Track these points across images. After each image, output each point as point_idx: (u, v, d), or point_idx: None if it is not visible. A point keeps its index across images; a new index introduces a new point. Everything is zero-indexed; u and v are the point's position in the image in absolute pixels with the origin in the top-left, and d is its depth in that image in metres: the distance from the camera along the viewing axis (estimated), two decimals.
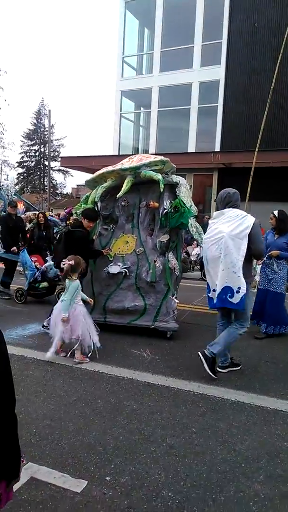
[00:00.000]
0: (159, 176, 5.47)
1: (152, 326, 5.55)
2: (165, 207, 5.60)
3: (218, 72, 17.05)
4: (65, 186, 53.00)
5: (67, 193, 53.96)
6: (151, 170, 5.56)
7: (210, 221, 4.47)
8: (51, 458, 2.74)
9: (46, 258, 8.17)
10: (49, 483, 2.49)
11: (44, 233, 8.72)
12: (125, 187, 5.54)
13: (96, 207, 6.08)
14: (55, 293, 7.66)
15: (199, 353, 4.18)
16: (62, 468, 2.64)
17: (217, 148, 16.87)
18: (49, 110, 30.83)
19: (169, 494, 2.41)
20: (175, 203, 5.56)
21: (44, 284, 7.65)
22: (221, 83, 17.00)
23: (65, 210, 14.27)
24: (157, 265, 5.56)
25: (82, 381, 4.05)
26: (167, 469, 2.65)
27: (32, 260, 7.74)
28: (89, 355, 4.60)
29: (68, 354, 4.63)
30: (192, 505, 2.32)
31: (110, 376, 4.18)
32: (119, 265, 5.63)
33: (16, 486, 2.38)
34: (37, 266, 7.73)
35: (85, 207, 5.98)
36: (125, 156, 19.47)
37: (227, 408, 3.52)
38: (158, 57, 18.46)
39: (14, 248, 8.09)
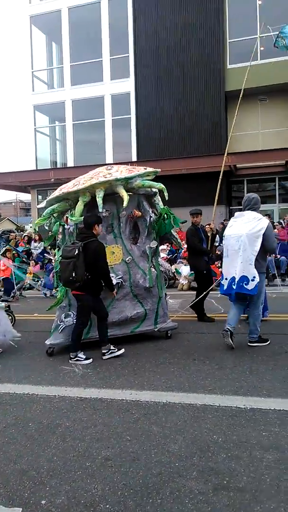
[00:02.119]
0: (161, 186, 5.89)
1: (156, 329, 5.89)
2: (151, 215, 5.90)
3: (127, 85, 17.48)
4: None
5: None
6: (144, 180, 5.80)
7: (232, 220, 5.48)
8: None
9: None
10: None
11: None
12: (125, 198, 5.40)
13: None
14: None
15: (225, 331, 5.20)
16: None
17: (134, 158, 17.23)
18: None
19: (107, 506, 2.41)
20: (163, 211, 5.95)
21: None
22: (131, 95, 17.44)
23: None
24: (153, 270, 5.88)
25: (11, 406, 3.90)
26: (104, 481, 2.65)
27: None
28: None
29: None
30: None
31: (41, 397, 4.07)
32: (113, 277, 5.50)
33: None
34: None
35: (51, 220, 5.88)
36: (44, 171, 19.12)
37: (159, 410, 3.59)
38: (69, 71, 18.51)
39: None
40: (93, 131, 18.66)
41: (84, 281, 4.91)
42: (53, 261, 11.35)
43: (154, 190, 5.94)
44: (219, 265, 11.48)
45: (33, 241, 13.79)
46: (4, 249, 11.24)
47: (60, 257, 5.16)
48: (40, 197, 19.59)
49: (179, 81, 16.82)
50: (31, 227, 20.80)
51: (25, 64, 19.40)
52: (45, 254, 12.48)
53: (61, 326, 5.51)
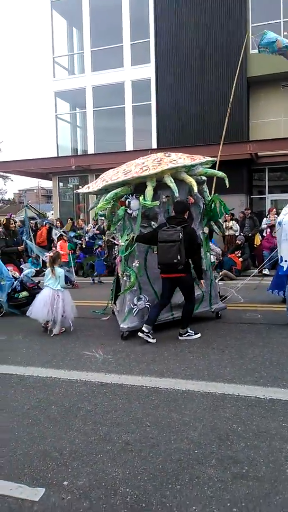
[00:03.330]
0: (223, 174, 6.16)
1: (212, 310, 6.26)
2: (204, 202, 6.14)
3: (148, 71, 17.27)
4: (6, 192, 51.36)
5: (8, 199, 52.31)
6: (204, 168, 6.11)
7: (285, 208, 6.28)
8: (6, 470, 2.70)
9: (21, 267, 7.86)
10: (6, 495, 2.46)
11: (15, 240, 8.38)
12: (194, 184, 5.61)
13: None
14: None
15: None
16: (18, 479, 2.61)
17: (154, 145, 17.09)
18: None
19: (127, 490, 2.47)
20: (215, 198, 6.14)
21: (24, 293, 7.34)
22: (152, 81, 17.23)
23: (7, 216, 13.90)
24: (208, 254, 6.22)
25: (34, 389, 4.00)
26: (124, 465, 2.71)
27: (8, 270, 7.36)
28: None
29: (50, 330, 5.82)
30: (149, 497, 2.39)
31: (63, 381, 4.16)
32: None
33: None
34: (14, 276, 7.39)
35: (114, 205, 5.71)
36: (65, 158, 19.14)
37: (179, 398, 3.63)
38: (89, 57, 18.37)
39: None
40: (113, 118, 18.55)
41: (184, 263, 5.14)
42: (103, 246, 11.50)
43: (203, 178, 6.10)
44: (239, 254, 11.40)
45: (54, 228, 13.92)
46: (61, 231, 11.27)
47: (159, 242, 5.13)
48: (61, 184, 19.68)
49: (200, 67, 16.51)
50: (52, 214, 20.93)
51: (46, 50, 19.32)
52: (95, 239, 12.41)
53: (134, 309, 5.58)
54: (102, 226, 12.97)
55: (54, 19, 19.21)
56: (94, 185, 6.21)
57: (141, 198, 5.34)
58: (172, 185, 5.41)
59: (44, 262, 9.62)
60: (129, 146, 17.77)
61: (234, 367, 4.32)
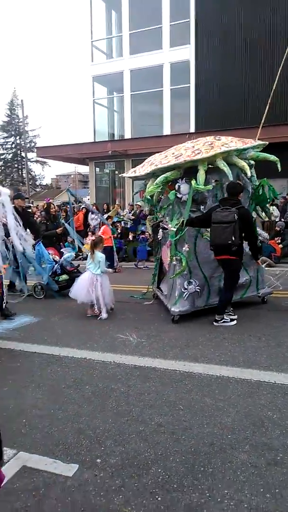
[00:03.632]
0: (275, 158, 5.93)
1: (259, 295, 6.19)
2: (253, 186, 5.99)
3: (187, 52, 16.88)
4: (44, 177, 52.33)
5: (46, 184, 53.30)
6: (255, 152, 5.91)
7: None
8: (42, 446, 2.78)
9: (61, 250, 7.96)
10: (41, 470, 2.53)
11: (55, 225, 8.51)
12: (247, 168, 5.58)
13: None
14: None
15: None
16: (53, 455, 2.68)
17: (192, 129, 16.80)
18: (22, 100, 30.30)
19: (159, 470, 2.48)
20: (264, 182, 5.98)
21: (64, 276, 7.52)
22: (191, 63, 16.85)
23: (45, 201, 14.15)
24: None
25: (69, 369, 4.08)
26: (156, 446, 2.72)
27: (49, 253, 7.52)
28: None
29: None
30: (181, 478, 2.39)
31: (97, 362, 4.22)
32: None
33: (8, 476, 2.43)
34: (55, 259, 7.54)
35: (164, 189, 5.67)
36: (102, 143, 19.16)
37: (213, 383, 3.59)
38: (127, 40, 18.17)
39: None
40: (151, 102, 18.36)
41: (238, 245, 5.10)
42: (146, 233, 11.55)
43: (252, 162, 5.91)
44: (279, 241, 11.09)
45: (90, 213, 14.05)
46: (106, 215, 11.39)
47: (213, 224, 5.10)
48: (97, 169, 19.79)
49: (243, 46, 15.96)
50: (88, 199, 21.12)
51: (85, 34, 19.26)
52: (139, 225, 12.46)
53: (185, 293, 5.58)
54: (137, 212, 12.97)
55: (93, 2, 19.10)
56: (141, 169, 6.18)
57: (193, 182, 5.25)
58: (226, 168, 5.33)
59: (79, 247, 9.69)
60: (167, 131, 17.56)
61: (271, 354, 4.22)
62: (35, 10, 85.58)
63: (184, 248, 5.50)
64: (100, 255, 6.06)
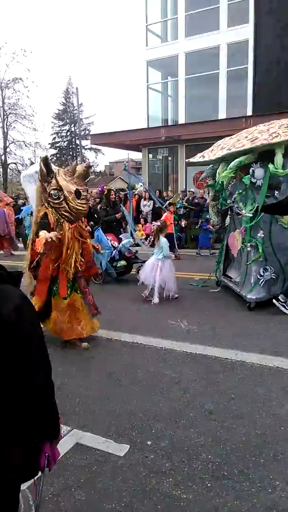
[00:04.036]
0: None
1: None
2: None
3: (246, 32, 16.20)
4: (97, 165, 53.10)
5: (100, 171, 54.09)
6: None
7: None
8: (95, 425, 2.87)
9: (120, 236, 8.03)
10: (94, 448, 2.62)
11: (115, 211, 8.60)
12: None
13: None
14: (134, 271, 7.60)
15: None
16: (105, 434, 2.76)
17: (249, 112, 16.23)
18: (77, 88, 30.61)
19: (209, 456, 2.48)
20: None
21: (122, 262, 7.57)
22: (250, 43, 16.17)
23: (99, 188, 14.39)
24: None
25: (121, 352, 4.16)
26: (207, 433, 2.72)
27: (108, 239, 7.59)
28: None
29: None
30: (231, 466, 2.38)
31: (149, 347, 4.27)
32: None
33: (62, 451, 2.54)
34: (113, 245, 7.60)
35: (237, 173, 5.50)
36: (155, 129, 19.00)
37: (266, 374, 3.52)
38: (183, 22, 17.76)
39: (88, 228, 7.98)
40: (206, 85, 17.91)
41: None
42: (211, 220, 11.47)
43: None
44: None
45: (142, 200, 14.09)
46: (167, 203, 11.44)
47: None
48: (150, 155, 19.73)
49: None
50: (141, 186, 21.21)
51: (140, 18, 19.09)
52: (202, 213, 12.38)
53: (261, 280, 5.50)
54: (190, 198, 12.81)
55: None
56: (211, 153, 6.10)
57: (271, 166, 5.09)
58: None
59: (132, 234, 9.69)
60: (222, 115, 17.10)
61: None
62: None
63: (259, 235, 5.40)
64: (163, 240, 6.15)
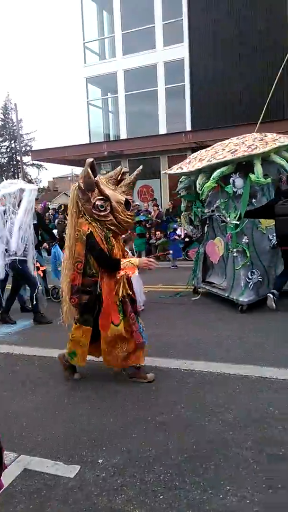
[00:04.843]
0: None
1: None
2: None
3: (181, 51, 16.87)
4: (40, 181, 52.27)
5: (43, 187, 53.21)
6: None
7: None
8: (43, 448, 2.77)
9: None
10: (42, 472, 2.52)
11: None
12: None
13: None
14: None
15: None
16: (54, 457, 2.66)
17: (188, 127, 16.80)
18: (15, 104, 30.26)
19: (161, 468, 2.47)
20: None
21: None
22: (185, 61, 16.84)
23: (41, 204, 14.15)
24: None
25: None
26: (158, 445, 2.71)
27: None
28: None
29: None
30: (183, 476, 2.38)
31: (100, 364, 4.18)
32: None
33: (9, 479, 2.42)
34: None
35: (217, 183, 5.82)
36: (97, 144, 19.07)
37: (214, 381, 3.59)
38: (120, 40, 18.15)
39: (45, 244, 7.61)
40: (146, 102, 18.34)
41: None
42: (178, 230, 11.51)
43: None
44: None
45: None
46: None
47: (278, 216, 5.36)
48: None
49: (237, 44, 15.94)
50: None
51: (77, 36, 19.26)
52: (170, 223, 12.37)
53: (250, 283, 5.79)
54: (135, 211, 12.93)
55: (84, 4, 19.08)
56: (189, 165, 6.32)
57: (252, 176, 5.43)
58: (284, 162, 5.67)
59: None
60: (163, 130, 17.55)
61: (273, 350, 4.22)
62: (26, 13, 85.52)
63: (243, 240, 5.76)
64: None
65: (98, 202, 3.44)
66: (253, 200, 5.75)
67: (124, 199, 3.51)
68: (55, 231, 8.52)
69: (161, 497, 2.23)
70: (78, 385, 3.70)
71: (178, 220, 11.02)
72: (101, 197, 3.47)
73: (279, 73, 7.53)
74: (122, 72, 18.22)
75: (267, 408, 3.05)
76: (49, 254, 7.68)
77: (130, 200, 3.60)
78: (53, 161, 20.93)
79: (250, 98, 15.25)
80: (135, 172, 3.69)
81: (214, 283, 6.54)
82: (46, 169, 51.48)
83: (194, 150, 16.55)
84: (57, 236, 8.23)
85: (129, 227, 3.79)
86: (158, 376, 3.78)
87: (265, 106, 7.12)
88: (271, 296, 5.63)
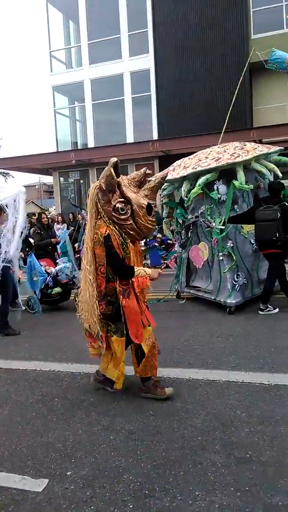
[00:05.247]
0: None
1: None
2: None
3: (147, 61, 17.12)
4: None
5: None
6: (277, 156, 6.52)
7: None
8: (10, 463, 2.70)
9: (57, 261, 7.58)
10: (9, 487, 2.45)
11: (49, 234, 8.22)
12: (277, 169, 6.31)
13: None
14: (72, 297, 7.14)
15: None
16: (22, 471, 2.60)
17: (155, 136, 17.00)
18: None
19: (130, 477, 2.46)
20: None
21: (57, 289, 7.08)
22: (151, 71, 17.08)
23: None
24: None
25: (37, 382, 3.99)
26: (127, 454, 2.69)
27: (41, 265, 7.06)
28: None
29: None
30: (152, 484, 2.38)
31: (66, 374, 4.15)
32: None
33: None
34: (47, 271, 7.09)
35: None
36: (65, 152, 19.01)
37: (182, 387, 3.61)
38: (86, 50, 18.23)
39: (21, 253, 7.32)
40: (112, 111, 18.46)
41: (283, 240, 5.52)
42: (157, 237, 11.59)
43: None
44: None
45: (55, 224, 13.85)
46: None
47: (257, 221, 5.56)
48: (62, 179, 19.64)
49: (201, 55, 16.33)
50: (54, 209, 20.90)
51: (43, 44, 19.23)
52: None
53: (236, 286, 6.00)
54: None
55: (50, 13, 19.09)
56: (173, 172, 6.44)
57: (236, 182, 5.68)
58: (264, 169, 6.01)
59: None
60: (130, 138, 17.69)
61: (239, 354, 4.29)
62: None
63: (228, 244, 6.01)
64: None
65: (118, 205, 3.23)
66: (235, 206, 6.04)
67: (146, 204, 3.29)
68: (31, 240, 8.29)
69: (131, 506, 2.22)
70: (45, 398, 3.64)
71: (157, 227, 11.12)
72: (122, 199, 3.25)
73: (238, 85, 7.83)
74: (89, 81, 18.28)
75: (235, 412, 3.09)
76: (25, 263, 7.50)
77: (153, 205, 3.39)
78: (20, 170, 20.66)
79: (215, 107, 15.62)
80: (160, 175, 3.51)
81: (199, 287, 6.69)
82: (13, 177, 50.69)
83: (161, 158, 16.80)
84: (33, 245, 8.10)
85: (148, 233, 3.61)
86: (125, 383, 3.77)
87: (227, 116, 7.38)
88: (261, 312, 5.82)
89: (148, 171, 3.48)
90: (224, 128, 7.50)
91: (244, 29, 15.73)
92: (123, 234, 3.27)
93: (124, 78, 17.64)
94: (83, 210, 13.14)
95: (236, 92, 7.60)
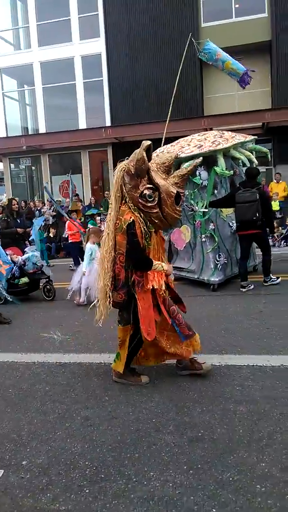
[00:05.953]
0: (267, 150, 7.58)
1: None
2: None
3: (98, 46, 16.79)
4: None
5: None
6: (252, 144, 7.08)
7: None
8: None
9: (25, 250, 7.20)
10: None
11: (19, 221, 7.86)
12: (253, 157, 6.83)
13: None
14: (40, 288, 6.98)
15: None
16: None
17: (108, 123, 16.80)
18: None
19: (86, 463, 2.49)
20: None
21: (24, 279, 6.80)
22: (103, 56, 16.79)
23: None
24: None
25: None
26: (83, 440, 2.72)
27: (7, 254, 6.62)
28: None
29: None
30: (108, 468, 2.43)
31: (20, 364, 4.10)
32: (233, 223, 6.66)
33: None
34: (13, 260, 6.73)
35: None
36: (15, 137, 18.33)
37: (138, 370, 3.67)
38: (35, 31, 17.59)
39: None
40: (64, 95, 18.00)
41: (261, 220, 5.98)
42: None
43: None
44: None
45: (43, 207, 13.54)
46: (68, 210, 10.69)
47: (238, 203, 5.99)
48: (12, 165, 19.02)
49: (153, 41, 16.22)
50: (6, 196, 20.21)
51: None
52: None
53: (218, 264, 6.45)
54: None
55: None
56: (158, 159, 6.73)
57: (217, 168, 6.12)
58: (243, 157, 6.53)
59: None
60: (82, 124, 17.37)
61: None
62: None
63: (210, 227, 6.42)
64: (88, 247, 6.29)
65: (146, 191, 3.01)
66: (215, 191, 6.48)
67: (175, 192, 3.08)
68: None
69: (87, 491, 2.26)
70: None
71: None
72: (151, 186, 3.03)
73: (180, 70, 8.03)
74: (38, 64, 17.70)
75: (188, 393, 3.20)
76: None
77: (182, 194, 3.19)
78: None
79: (167, 95, 15.61)
80: (192, 163, 3.42)
81: (181, 267, 7.00)
82: None
83: (114, 145, 16.65)
84: None
85: (174, 223, 3.38)
86: (80, 371, 3.79)
87: (171, 104, 7.69)
88: (244, 290, 6.22)
89: (176, 153, 3.58)
90: (168, 117, 7.81)
91: (194, 17, 15.77)
92: (148, 222, 3.11)
93: (75, 62, 17.23)
94: (56, 201, 12.72)
95: (177, 79, 7.96)
